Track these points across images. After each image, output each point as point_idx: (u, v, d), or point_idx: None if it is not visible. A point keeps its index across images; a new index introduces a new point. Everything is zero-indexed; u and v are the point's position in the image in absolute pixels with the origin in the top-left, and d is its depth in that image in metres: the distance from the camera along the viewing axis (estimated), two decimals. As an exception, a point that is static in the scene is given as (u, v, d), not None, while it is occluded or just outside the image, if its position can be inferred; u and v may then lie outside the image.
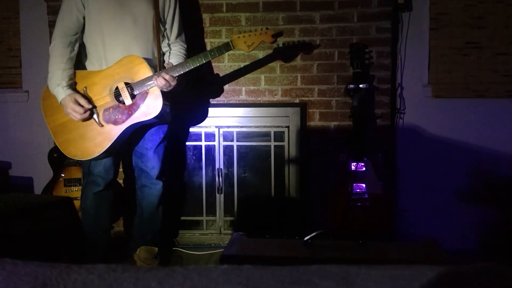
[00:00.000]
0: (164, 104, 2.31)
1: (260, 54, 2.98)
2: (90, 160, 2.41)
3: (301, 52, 2.95)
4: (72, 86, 2.32)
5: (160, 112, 2.30)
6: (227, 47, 2.41)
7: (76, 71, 2.37)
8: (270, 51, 2.96)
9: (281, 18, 2.95)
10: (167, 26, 2.51)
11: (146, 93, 2.30)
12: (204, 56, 2.35)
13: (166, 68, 2.34)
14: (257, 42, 2.43)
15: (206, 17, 3.00)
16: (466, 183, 3.03)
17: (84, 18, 2.39)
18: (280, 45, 2.94)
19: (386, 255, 1.87)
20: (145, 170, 2.55)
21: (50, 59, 2.35)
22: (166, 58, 2.53)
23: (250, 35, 2.42)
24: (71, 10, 2.37)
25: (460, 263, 0.65)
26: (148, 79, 2.29)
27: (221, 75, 3.02)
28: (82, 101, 2.27)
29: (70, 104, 2.25)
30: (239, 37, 2.42)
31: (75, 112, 2.26)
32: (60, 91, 2.27)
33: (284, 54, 2.95)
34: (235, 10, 2.98)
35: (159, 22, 2.42)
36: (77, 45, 2.41)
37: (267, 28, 2.47)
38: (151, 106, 2.30)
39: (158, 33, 2.42)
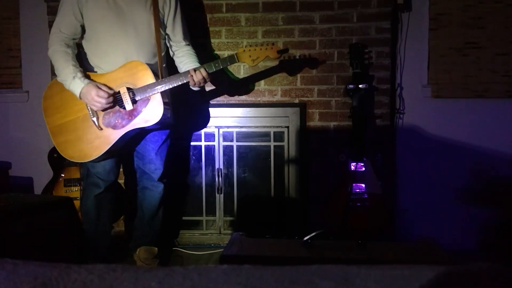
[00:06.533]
0: (165, 109, 2.30)
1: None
2: (88, 162, 2.39)
3: (305, 67, 2.95)
4: (87, 77, 2.30)
5: (160, 119, 2.29)
6: (231, 59, 2.42)
7: None
8: (274, 64, 2.95)
9: (280, 18, 2.95)
10: (171, 28, 2.49)
11: (148, 99, 2.29)
12: (208, 66, 2.37)
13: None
14: (262, 57, 2.43)
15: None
16: (466, 183, 3.03)
17: (81, 26, 2.37)
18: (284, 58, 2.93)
19: (385, 255, 1.87)
20: (148, 172, 2.54)
21: (55, 61, 2.32)
22: (177, 57, 2.54)
23: (255, 49, 2.42)
24: (69, 17, 2.35)
25: (460, 263, 0.65)
26: (151, 85, 2.28)
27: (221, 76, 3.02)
28: (104, 87, 2.25)
29: (93, 90, 2.22)
30: (244, 50, 2.42)
31: (99, 98, 2.22)
32: (78, 82, 2.24)
33: (286, 67, 2.96)
34: (235, 11, 2.97)
35: (159, 27, 2.40)
36: (75, 47, 2.39)
37: (272, 44, 2.46)
38: (151, 113, 2.29)
39: (159, 39, 2.40)
